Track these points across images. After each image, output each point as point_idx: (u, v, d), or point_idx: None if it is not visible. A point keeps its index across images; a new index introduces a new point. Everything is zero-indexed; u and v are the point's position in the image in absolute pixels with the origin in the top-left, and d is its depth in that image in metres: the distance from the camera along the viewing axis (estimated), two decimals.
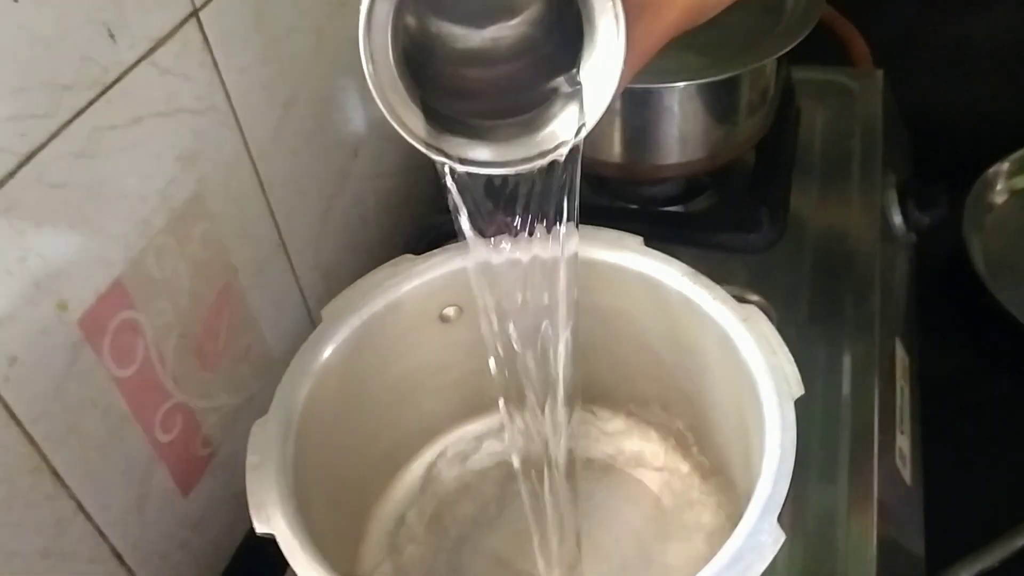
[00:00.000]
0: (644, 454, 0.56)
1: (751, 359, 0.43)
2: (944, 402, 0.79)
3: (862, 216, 0.75)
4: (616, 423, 0.57)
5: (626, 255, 0.49)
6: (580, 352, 0.55)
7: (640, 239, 0.49)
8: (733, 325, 0.45)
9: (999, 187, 0.97)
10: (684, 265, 0.48)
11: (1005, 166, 0.97)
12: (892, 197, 0.78)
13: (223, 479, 0.66)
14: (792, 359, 0.43)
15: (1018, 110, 1.01)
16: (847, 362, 0.65)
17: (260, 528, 0.40)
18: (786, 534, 0.52)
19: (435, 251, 0.50)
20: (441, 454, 0.57)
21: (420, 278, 0.50)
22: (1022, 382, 0.83)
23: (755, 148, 0.78)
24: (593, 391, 0.57)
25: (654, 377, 0.53)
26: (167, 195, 0.56)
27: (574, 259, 0.41)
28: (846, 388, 0.63)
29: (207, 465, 0.64)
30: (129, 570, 0.57)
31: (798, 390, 0.42)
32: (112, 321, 0.53)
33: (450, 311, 0.52)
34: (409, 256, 0.50)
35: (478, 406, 0.58)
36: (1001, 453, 0.75)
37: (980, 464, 0.74)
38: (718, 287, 0.47)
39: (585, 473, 0.55)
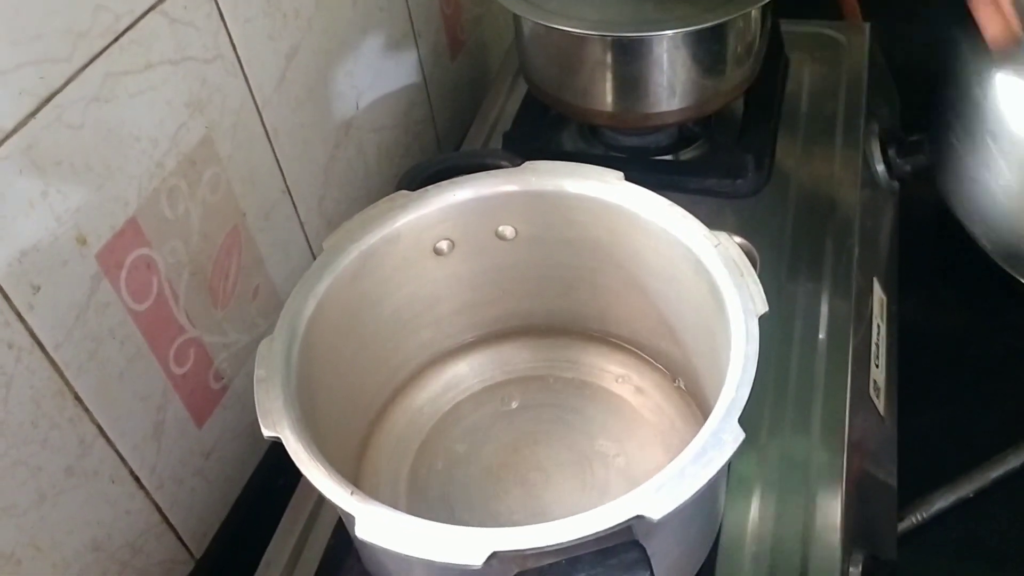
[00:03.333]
0: (623, 375, 0.59)
1: (720, 281, 0.46)
2: (926, 345, 0.82)
3: (845, 164, 0.78)
4: (598, 348, 0.60)
5: (607, 188, 0.52)
6: (564, 284, 0.59)
7: (620, 174, 0.52)
8: (705, 250, 0.48)
9: None
10: (661, 198, 0.51)
11: None
12: (875, 146, 0.80)
13: (236, 413, 0.70)
14: (758, 280, 0.46)
15: None
16: (825, 300, 0.68)
17: (267, 433, 0.43)
18: (759, 464, 0.56)
19: (429, 187, 0.53)
20: (439, 381, 0.61)
21: (415, 212, 0.53)
22: (1002, 325, 0.86)
23: (743, 98, 0.81)
24: (576, 319, 0.60)
25: (634, 305, 0.56)
26: (177, 139, 0.59)
27: None
28: (823, 324, 0.66)
29: (220, 399, 0.68)
30: (147, 492, 0.61)
31: (762, 307, 0.45)
32: (128, 257, 0.56)
33: (443, 244, 0.55)
34: (405, 192, 0.54)
35: (474, 337, 0.61)
36: (978, 393, 0.78)
37: (956, 403, 0.77)
38: (692, 217, 0.50)
39: (567, 391, 0.59)
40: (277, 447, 0.72)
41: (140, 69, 0.55)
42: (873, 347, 0.68)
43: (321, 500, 0.63)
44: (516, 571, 0.39)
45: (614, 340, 0.60)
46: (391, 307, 0.55)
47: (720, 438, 0.40)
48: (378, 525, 0.39)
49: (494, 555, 0.38)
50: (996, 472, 0.71)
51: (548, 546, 0.38)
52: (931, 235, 0.92)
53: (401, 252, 0.54)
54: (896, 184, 0.82)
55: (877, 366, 0.68)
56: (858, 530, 0.57)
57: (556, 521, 0.38)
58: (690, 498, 0.38)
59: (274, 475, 0.68)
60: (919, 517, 0.69)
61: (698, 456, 0.40)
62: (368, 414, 0.58)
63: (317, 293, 0.50)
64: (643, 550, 0.38)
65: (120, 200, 0.55)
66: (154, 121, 0.57)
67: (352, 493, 0.40)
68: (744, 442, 0.58)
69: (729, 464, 0.57)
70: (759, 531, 0.55)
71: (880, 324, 0.71)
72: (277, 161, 0.70)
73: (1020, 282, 0.82)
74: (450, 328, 0.60)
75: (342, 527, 0.58)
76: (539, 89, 0.79)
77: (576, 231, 0.54)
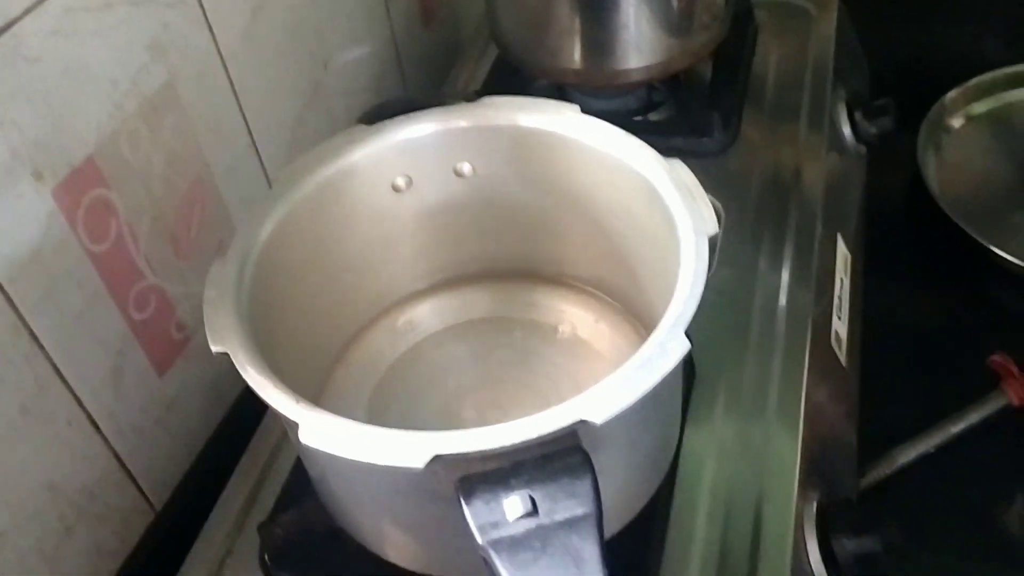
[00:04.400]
0: (583, 316, 0.59)
1: (672, 204, 0.47)
2: (893, 310, 0.83)
3: (811, 127, 0.78)
4: (558, 291, 0.60)
5: (563, 121, 0.53)
6: (524, 225, 0.59)
7: (577, 107, 0.53)
8: (659, 177, 0.49)
9: (956, 112, 1.00)
10: (617, 128, 0.52)
11: (962, 92, 1.00)
12: (841, 110, 0.81)
13: (199, 366, 0.70)
14: (709, 203, 0.47)
15: (976, 40, 1.04)
16: (789, 255, 0.68)
17: (216, 347, 0.43)
18: (719, 405, 0.56)
19: (386, 121, 0.53)
20: (399, 322, 0.61)
21: (371, 146, 0.53)
22: (966, 289, 0.87)
23: (712, 63, 0.81)
24: (536, 262, 0.60)
25: (592, 244, 0.56)
26: (138, 82, 0.59)
27: None
28: (785, 277, 0.66)
29: (182, 349, 0.68)
30: (104, 438, 0.61)
31: (712, 228, 0.45)
32: (85, 196, 0.56)
33: (401, 181, 0.55)
34: (362, 126, 0.54)
35: (435, 280, 0.61)
36: (942, 353, 0.78)
37: (920, 360, 0.78)
38: (647, 146, 0.50)
39: (527, 334, 0.59)
40: (242, 402, 0.73)
41: (100, 7, 0.55)
42: (836, 300, 0.68)
43: (278, 448, 0.63)
44: (459, 476, 0.38)
45: (574, 282, 0.60)
46: (351, 245, 0.55)
47: (665, 348, 0.40)
48: (321, 430, 0.39)
49: (436, 458, 0.38)
50: (957, 427, 0.71)
51: (490, 449, 0.38)
52: (903, 205, 0.93)
53: (359, 187, 0.54)
54: (863, 148, 0.83)
55: (840, 318, 0.68)
56: (815, 470, 0.57)
57: (499, 425, 0.38)
58: (633, 404, 0.38)
59: (238, 431, 0.67)
60: (882, 473, 0.69)
61: (643, 364, 0.40)
62: (328, 354, 0.58)
63: (272, 220, 0.49)
64: (586, 455, 0.38)
65: (78, 138, 0.55)
66: (114, 61, 0.57)
67: (298, 402, 0.40)
68: (703, 383, 0.59)
69: (687, 400, 0.58)
70: (716, 468, 0.56)
71: (844, 279, 0.71)
72: (243, 115, 0.70)
73: (989, 249, 0.83)
74: (411, 270, 0.60)
75: (299, 468, 0.58)
76: (509, 51, 0.79)
77: (533, 168, 0.55)
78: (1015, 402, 0.73)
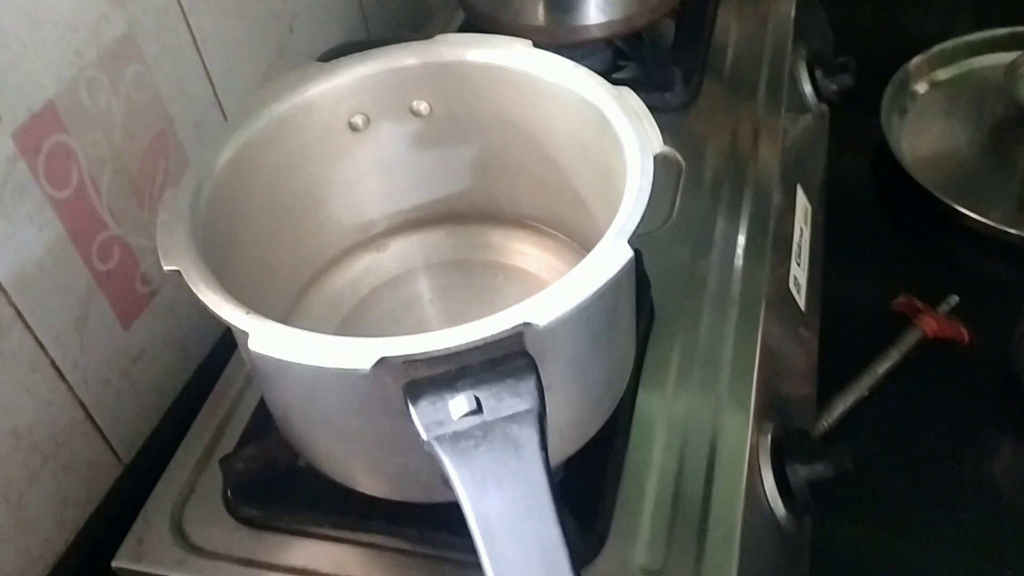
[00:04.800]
0: (540, 256, 0.60)
1: (620, 128, 0.47)
2: (855, 264, 0.84)
3: (771, 84, 0.79)
4: (515, 231, 0.61)
5: (513, 55, 0.53)
6: (481, 165, 0.59)
7: (529, 42, 0.53)
8: (607, 104, 0.49)
9: (920, 78, 1.02)
10: (566, 59, 0.52)
11: (926, 59, 1.01)
12: (802, 68, 0.82)
13: (166, 322, 0.70)
14: (655, 124, 0.48)
15: (940, 9, 1.05)
16: (747, 205, 0.69)
17: (167, 266, 0.44)
18: (677, 345, 0.57)
19: (341, 58, 0.54)
20: (359, 266, 0.61)
21: (327, 82, 0.54)
22: (929, 246, 0.88)
23: (675, 23, 0.82)
24: (493, 204, 0.61)
25: (548, 181, 0.56)
26: (98, 30, 0.60)
27: None
28: (744, 225, 0.67)
29: (148, 303, 0.68)
30: (70, 387, 0.61)
31: (658, 146, 0.46)
32: (46, 141, 0.57)
33: (358, 119, 0.56)
34: (318, 63, 0.54)
35: (394, 223, 0.62)
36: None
37: (882, 316, 0.79)
38: (596, 75, 0.51)
39: (486, 274, 0.60)
40: (210, 362, 0.73)
41: None
42: (795, 247, 0.69)
43: (242, 390, 0.64)
44: (406, 381, 0.39)
45: (532, 223, 0.61)
46: (309, 181, 0.56)
47: (608, 256, 0.41)
48: (270, 338, 0.40)
49: (382, 361, 0.38)
50: (883, 367, 0.73)
51: (435, 350, 0.38)
52: (868, 167, 0.95)
53: (316, 124, 0.54)
54: (825, 107, 0.84)
55: (799, 264, 0.69)
56: (771, 405, 0.58)
57: (445, 329, 0.39)
58: (575, 308, 0.39)
59: (207, 389, 0.68)
60: (827, 422, 0.71)
61: (586, 271, 0.40)
62: (289, 293, 0.58)
63: (228, 150, 0.50)
64: (531, 359, 0.39)
65: (37, 82, 0.56)
66: (73, 9, 0.57)
67: (247, 313, 0.41)
68: (662, 323, 0.60)
69: (646, 341, 0.59)
70: (673, 403, 0.57)
71: (804, 228, 0.72)
72: (206, 71, 0.71)
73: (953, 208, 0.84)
74: (370, 212, 0.60)
75: (263, 407, 0.58)
76: (473, 11, 0.80)
77: (488, 105, 0.55)
78: (928, 333, 0.76)
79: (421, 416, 0.38)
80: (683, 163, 0.72)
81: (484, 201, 0.61)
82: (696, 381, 0.58)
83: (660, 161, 0.74)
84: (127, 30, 0.62)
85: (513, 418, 0.37)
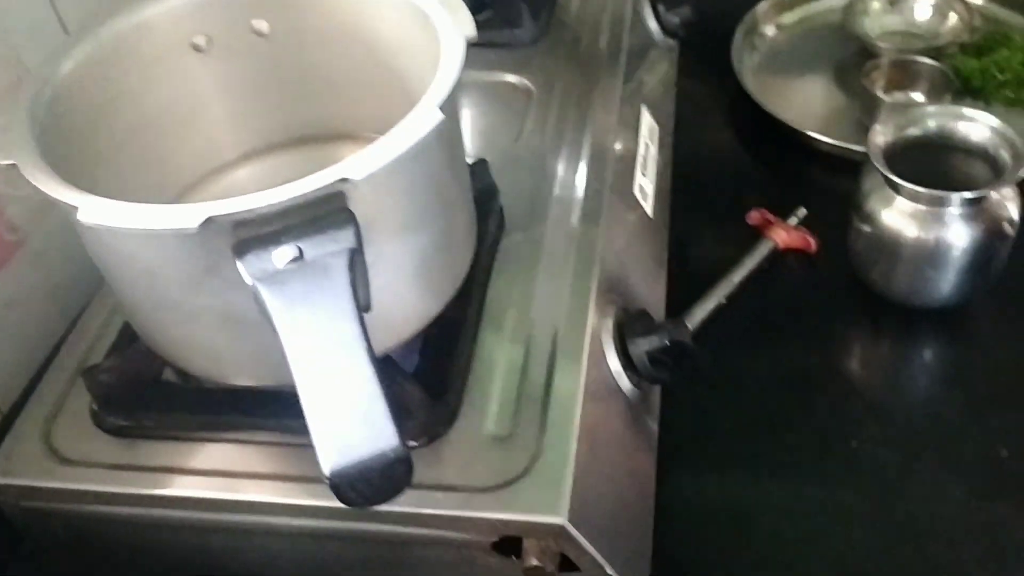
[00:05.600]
0: None
1: (438, 20, 0.51)
2: (712, 185, 0.89)
3: (615, 20, 0.84)
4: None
5: None
6: (328, 84, 0.62)
7: None
8: (429, 3, 0.53)
9: (768, 22, 1.08)
10: None
11: (772, 4, 1.08)
12: (646, 4, 0.87)
13: (37, 273, 0.71)
14: (468, 13, 0.51)
15: None
16: (592, 124, 0.73)
17: (3, 160, 0.45)
18: (522, 246, 0.60)
19: None
20: (215, 188, 0.63)
21: (164, 2, 0.56)
22: (774, 161, 0.94)
23: None
24: (348, 123, 0.64)
25: (394, 96, 0.59)
26: None
27: None
28: (587, 144, 0.71)
29: (15, 252, 0.69)
30: None
31: (470, 30, 0.50)
32: None
33: (200, 40, 0.58)
34: None
35: (249, 148, 0.64)
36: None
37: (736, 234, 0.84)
38: None
39: None
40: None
41: None
42: (639, 159, 0.74)
43: (111, 315, 0.65)
44: (234, 241, 0.41)
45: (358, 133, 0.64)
46: (154, 103, 0.58)
47: (420, 119, 0.44)
48: (99, 208, 0.42)
49: (210, 220, 0.41)
50: (739, 276, 0.78)
51: (261, 207, 0.41)
52: (719, 101, 1.00)
53: (157, 43, 0.56)
54: (671, 41, 0.89)
55: (644, 175, 0.73)
56: (613, 291, 0.62)
57: (269, 190, 0.42)
58: (390, 163, 0.42)
59: None
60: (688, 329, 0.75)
61: (400, 133, 0.44)
62: None
63: (69, 62, 0.51)
64: (351, 213, 0.42)
65: None
66: None
67: (80, 192, 0.43)
68: (514, 228, 0.63)
69: (495, 247, 0.62)
70: (521, 299, 0.60)
71: (649, 144, 0.76)
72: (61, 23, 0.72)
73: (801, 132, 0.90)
74: (224, 136, 0.62)
75: (128, 327, 0.60)
76: None
77: (324, 20, 0.58)
78: (779, 244, 0.81)
79: (248, 266, 0.40)
80: (533, 88, 0.76)
81: (335, 120, 0.64)
82: (544, 274, 0.61)
83: (512, 87, 0.79)
84: None
85: (330, 255, 0.40)
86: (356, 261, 0.40)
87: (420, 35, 0.53)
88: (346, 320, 0.39)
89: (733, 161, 0.95)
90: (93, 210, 0.41)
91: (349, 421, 0.38)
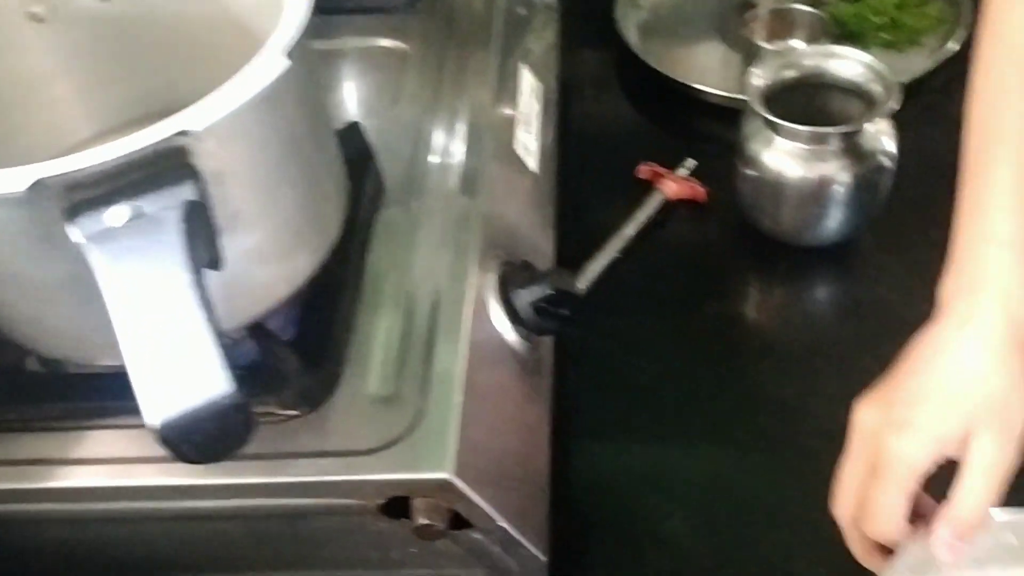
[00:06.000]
0: None
1: None
2: (601, 140, 0.89)
3: None
4: None
5: None
6: (180, 54, 0.59)
7: None
8: None
9: None
10: None
11: None
12: None
13: None
14: None
15: None
16: (469, 85, 0.72)
17: None
18: (405, 222, 0.59)
19: None
20: None
21: None
22: (661, 114, 0.94)
23: None
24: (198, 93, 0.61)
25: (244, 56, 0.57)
26: None
27: None
28: (466, 105, 0.70)
29: None
30: None
31: None
32: None
33: (38, 9, 0.55)
34: None
35: (101, 126, 0.61)
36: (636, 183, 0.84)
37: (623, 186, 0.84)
38: None
39: None
40: None
41: None
42: (520, 115, 0.72)
43: None
44: (69, 204, 0.39)
45: None
46: None
47: (265, 66, 0.42)
48: None
49: (39, 183, 0.38)
50: (632, 230, 0.78)
51: (93, 166, 0.39)
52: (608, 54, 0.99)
53: None
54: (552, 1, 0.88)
55: (528, 132, 0.72)
56: (495, 246, 0.61)
57: (102, 146, 0.39)
58: (233, 112, 0.40)
59: None
60: (583, 284, 0.74)
61: (243, 80, 0.42)
62: None
63: None
64: (192, 167, 0.40)
65: None
66: None
67: None
68: (393, 192, 0.62)
69: (373, 211, 0.60)
70: (403, 253, 0.59)
71: (533, 102, 0.76)
72: None
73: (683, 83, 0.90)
74: (73, 113, 0.59)
75: None
76: None
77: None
78: (669, 195, 0.81)
79: (79, 228, 0.38)
80: (410, 51, 0.75)
81: (191, 92, 0.61)
82: (425, 237, 0.60)
83: (387, 52, 0.77)
84: None
85: (163, 209, 0.37)
86: (195, 214, 0.38)
87: None
88: (176, 269, 0.36)
89: (623, 119, 0.95)
90: None
91: (177, 370, 0.36)
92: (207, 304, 0.36)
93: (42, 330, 0.49)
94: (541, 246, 0.69)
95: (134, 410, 0.52)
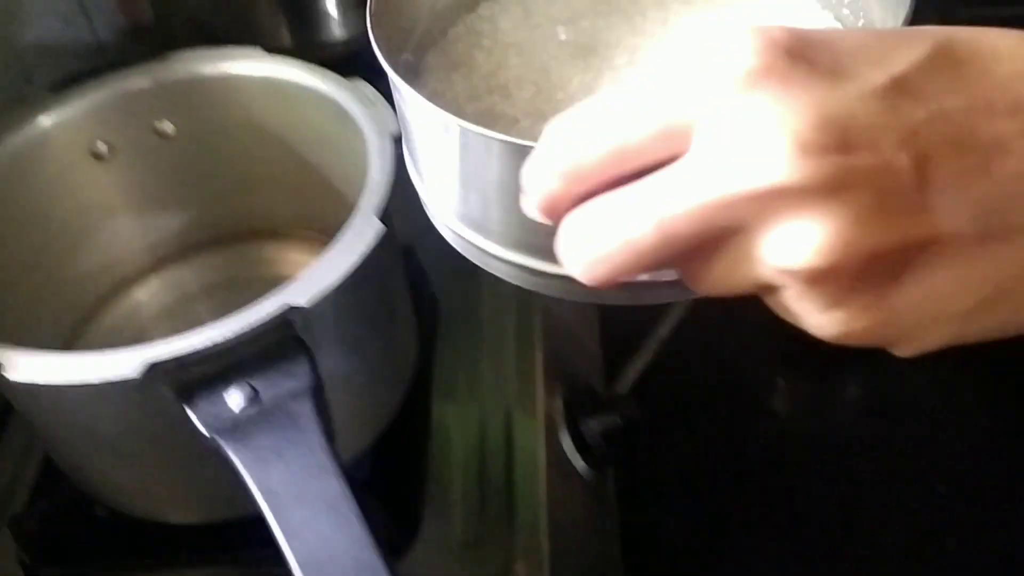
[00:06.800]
0: (309, 261, 0.60)
1: (357, 115, 0.49)
2: None
3: None
4: (290, 243, 0.61)
5: (248, 64, 0.54)
6: (239, 180, 0.59)
7: (259, 48, 0.54)
8: (341, 94, 0.51)
9: None
10: (297, 59, 0.54)
11: None
12: None
13: None
14: (389, 108, 0.49)
15: None
16: None
17: None
18: (463, 343, 0.59)
19: (72, 85, 0.53)
20: (129, 302, 0.60)
21: (58, 113, 0.52)
22: None
23: None
24: (261, 218, 0.61)
25: (309, 187, 0.57)
26: None
27: None
28: None
29: None
30: None
31: (394, 128, 0.48)
32: None
33: (102, 147, 0.54)
34: (40, 92, 0.53)
35: (162, 252, 0.61)
36: None
37: None
38: (327, 70, 0.53)
39: (258, 289, 0.59)
40: None
41: None
42: None
43: (25, 451, 0.60)
44: (179, 385, 0.38)
45: (300, 232, 0.61)
46: (62, 216, 0.54)
47: (360, 231, 0.42)
48: (28, 364, 0.38)
49: (153, 366, 0.37)
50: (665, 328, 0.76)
51: (204, 348, 0.38)
52: None
53: (55, 157, 0.53)
54: None
55: None
56: (558, 374, 0.60)
57: (210, 324, 0.39)
58: (336, 284, 0.40)
59: None
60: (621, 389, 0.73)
61: (341, 249, 0.41)
62: (58, 336, 0.56)
63: None
64: (302, 341, 0.39)
65: None
66: None
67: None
68: (451, 317, 0.61)
69: (433, 333, 0.60)
70: (467, 390, 0.58)
71: None
72: None
73: None
74: (135, 242, 0.59)
75: (49, 461, 0.55)
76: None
77: (231, 116, 0.55)
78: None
79: (199, 414, 0.37)
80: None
81: (250, 216, 0.61)
82: (486, 366, 0.59)
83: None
84: None
85: (289, 396, 0.37)
86: (320, 400, 0.37)
87: (339, 129, 0.51)
88: (318, 456, 0.36)
89: None
90: (21, 366, 0.38)
91: None
92: (360, 514, 0.36)
93: (126, 492, 0.48)
94: (592, 356, 0.69)
95: (213, 560, 0.51)
